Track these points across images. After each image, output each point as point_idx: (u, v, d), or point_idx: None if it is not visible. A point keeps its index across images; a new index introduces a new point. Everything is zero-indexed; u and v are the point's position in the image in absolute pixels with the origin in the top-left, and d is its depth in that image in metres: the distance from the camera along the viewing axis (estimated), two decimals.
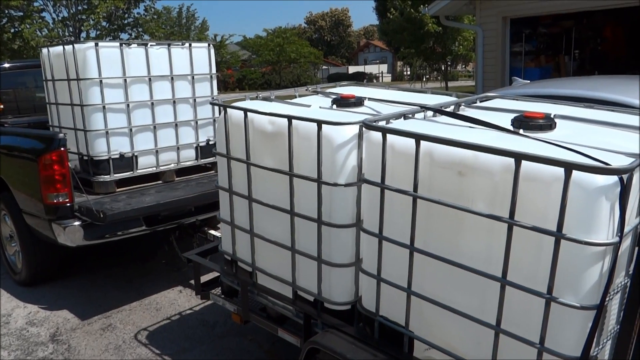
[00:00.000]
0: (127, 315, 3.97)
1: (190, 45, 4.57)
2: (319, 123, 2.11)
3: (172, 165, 4.63)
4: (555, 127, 1.94)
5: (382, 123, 2.01)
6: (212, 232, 4.10)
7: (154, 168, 4.51)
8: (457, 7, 10.81)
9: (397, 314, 2.05)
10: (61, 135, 3.85)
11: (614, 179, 1.46)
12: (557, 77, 10.38)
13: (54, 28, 18.35)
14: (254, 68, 39.78)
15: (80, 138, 4.25)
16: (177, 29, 33.10)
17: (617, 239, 1.48)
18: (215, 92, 4.79)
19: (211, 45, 4.75)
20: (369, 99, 2.67)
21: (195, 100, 4.63)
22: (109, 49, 4.15)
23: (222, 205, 2.80)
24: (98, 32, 19.42)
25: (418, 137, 1.79)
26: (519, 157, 1.54)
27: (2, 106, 5.16)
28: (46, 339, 3.70)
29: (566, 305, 1.52)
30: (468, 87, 23.76)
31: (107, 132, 4.17)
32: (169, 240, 4.37)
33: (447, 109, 2.31)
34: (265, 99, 2.85)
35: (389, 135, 1.90)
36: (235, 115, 2.52)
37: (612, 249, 1.51)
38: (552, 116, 2.03)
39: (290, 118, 2.22)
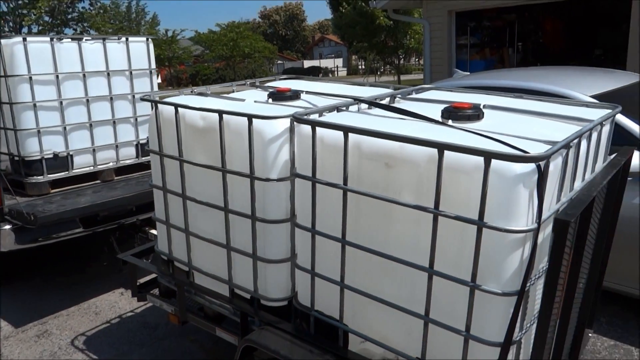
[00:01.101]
0: (65, 321, 3.81)
1: (127, 39, 4.43)
2: (250, 117, 2.06)
3: (111, 164, 4.48)
4: (482, 117, 1.96)
5: (314, 116, 1.99)
6: (153, 231, 3.96)
7: (91, 167, 4.37)
8: (405, 1, 10.93)
9: (331, 308, 2.04)
10: None
11: (532, 166, 1.48)
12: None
13: None
14: (208, 63, 39.10)
15: (11, 137, 4.05)
16: (127, 24, 32.06)
17: (535, 225, 1.51)
18: (156, 87, 4.66)
19: (149, 39, 4.61)
20: (306, 92, 2.64)
21: (134, 96, 4.49)
22: (39, 44, 3.96)
23: (157, 205, 2.72)
24: (40, 28, 18.58)
25: (346, 130, 1.77)
26: (441, 147, 1.54)
27: None
28: None
29: (488, 292, 1.54)
30: (420, 80, 24.09)
31: (38, 131, 3.99)
32: (109, 242, 4.22)
33: (382, 101, 2.31)
34: (201, 94, 2.78)
35: (318, 129, 1.88)
36: (167, 111, 2.44)
37: (531, 236, 1.53)
38: (481, 106, 2.05)
39: (220, 113, 2.16)
